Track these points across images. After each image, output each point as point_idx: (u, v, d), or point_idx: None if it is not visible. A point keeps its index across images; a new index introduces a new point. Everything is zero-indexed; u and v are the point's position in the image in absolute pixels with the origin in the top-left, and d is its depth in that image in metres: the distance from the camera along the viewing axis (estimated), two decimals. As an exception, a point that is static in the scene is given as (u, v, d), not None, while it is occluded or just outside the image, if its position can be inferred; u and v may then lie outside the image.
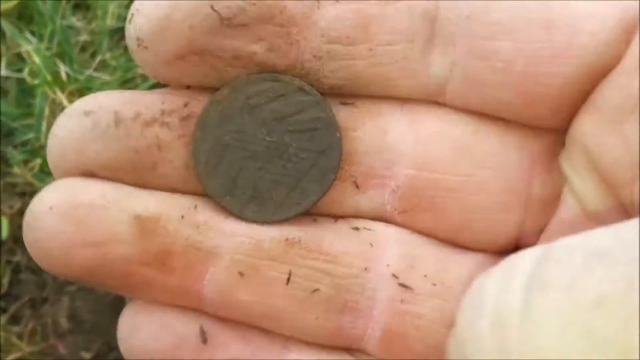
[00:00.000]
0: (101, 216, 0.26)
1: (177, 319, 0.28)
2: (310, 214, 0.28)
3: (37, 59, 0.67)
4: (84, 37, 0.69)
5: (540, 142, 0.27)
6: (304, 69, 0.27)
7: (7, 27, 0.69)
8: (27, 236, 0.26)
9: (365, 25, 0.26)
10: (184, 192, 0.28)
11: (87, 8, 0.71)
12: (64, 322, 0.65)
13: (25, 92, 0.68)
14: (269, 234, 0.28)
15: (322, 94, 0.28)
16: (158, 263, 0.27)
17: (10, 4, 0.70)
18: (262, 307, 0.28)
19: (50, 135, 0.27)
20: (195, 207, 0.28)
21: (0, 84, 0.69)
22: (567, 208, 0.26)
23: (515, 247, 0.28)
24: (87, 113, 0.26)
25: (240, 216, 0.28)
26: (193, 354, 0.28)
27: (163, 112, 0.27)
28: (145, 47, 0.26)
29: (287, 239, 0.28)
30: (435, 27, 0.26)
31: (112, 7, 0.69)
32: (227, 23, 0.26)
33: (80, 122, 0.26)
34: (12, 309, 0.65)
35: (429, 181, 0.28)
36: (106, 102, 0.27)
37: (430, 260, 0.28)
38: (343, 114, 0.28)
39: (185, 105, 0.27)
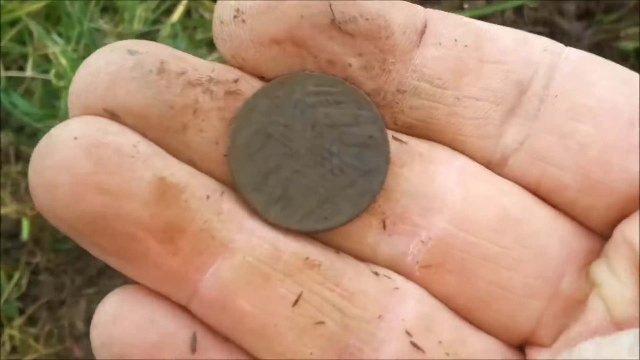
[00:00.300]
0: (125, 165, 0.24)
1: (167, 318, 0.25)
2: (327, 243, 0.27)
3: (63, 61, 0.67)
4: (110, 40, 0.69)
5: (578, 243, 0.27)
6: (385, 99, 0.27)
7: (35, 28, 0.69)
8: (38, 162, 0.23)
9: (461, 74, 0.26)
10: (205, 171, 0.26)
11: (115, 11, 0.71)
12: (80, 325, 0.65)
13: (51, 93, 0.68)
14: (290, 247, 0.26)
15: (389, 128, 0.27)
16: (166, 236, 0.24)
17: (38, 5, 0.70)
18: (258, 323, 0.25)
19: (82, 65, 0.25)
20: (223, 193, 0.26)
21: (26, 85, 0.69)
22: (595, 314, 0.26)
23: (524, 342, 0.27)
24: (131, 52, 0.25)
25: (262, 215, 0.26)
26: (171, 354, 0.25)
27: (210, 79, 0.25)
28: (243, 21, 0.25)
29: (307, 258, 0.26)
30: (523, 98, 0.27)
31: (139, 11, 0.69)
32: (337, 26, 0.26)
33: (121, 57, 0.24)
34: (30, 310, 0.65)
35: (465, 243, 0.26)
36: (155, 49, 0.25)
37: (447, 328, 0.26)
38: (393, 148, 0.27)
39: (235, 81, 0.26)
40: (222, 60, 0.27)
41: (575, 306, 0.26)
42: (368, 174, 0.26)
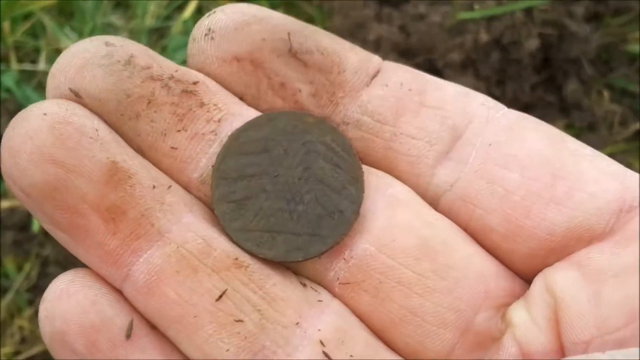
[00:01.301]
0: (83, 144, 0.26)
1: (109, 303, 0.26)
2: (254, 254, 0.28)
3: (75, 55, 0.67)
4: (123, 35, 0.70)
5: (498, 283, 0.28)
6: None
7: (48, 23, 0.70)
8: (8, 130, 0.26)
9: (400, 112, 0.29)
10: (152, 160, 0.28)
11: (127, 7, 0.72)
12: (89, 318, 0.65)
13: (63, 87, 0.68)
14: (222, 245, 0.27)
15: None
16: (108, 216, 0.26)
17: (52, 0, 0.71)
18: (180, 312, 0.26)
19: (64, 50, 0.27)
20: (170, 187, 0.27)
21: (38, 78, 0.70)
22: (507, 353, 0.27)
23: None
24: (107, 43, 0.27)
25: (220, 216, 0.27)
26: (108, 343, 0.26)
27: (171, 77, 0.28)
28: (212, 38, 0.28)
29: (237, 259, 0.27)
30: (458, 143, 0.28)
31: (151, 7, 0.70)
32: (293, 54, 0.28)
33: (97, 47, 0.27)
34: (39, 301, 0.66)
35: (383, 266, 0.28)
36: (129, 45, 0.28)
37: (360, 343, 0.27)
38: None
39: (194, 83, 0.28)
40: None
41: (489, 342, 0.28)
42: (321, 236, 0.28)
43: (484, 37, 0.63)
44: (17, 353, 0.63)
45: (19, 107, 0.68)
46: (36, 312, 0.66)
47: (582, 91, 0.65)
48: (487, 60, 0.64)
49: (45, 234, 0.66)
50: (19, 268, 0.66)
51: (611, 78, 0.67)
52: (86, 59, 0.27)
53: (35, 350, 0.64)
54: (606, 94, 0.66)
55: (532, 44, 0.63)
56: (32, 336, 0.64)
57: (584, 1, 0.66)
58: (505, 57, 0.64)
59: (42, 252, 0.66)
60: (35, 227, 0.66)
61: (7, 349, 0.63)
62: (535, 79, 0.65)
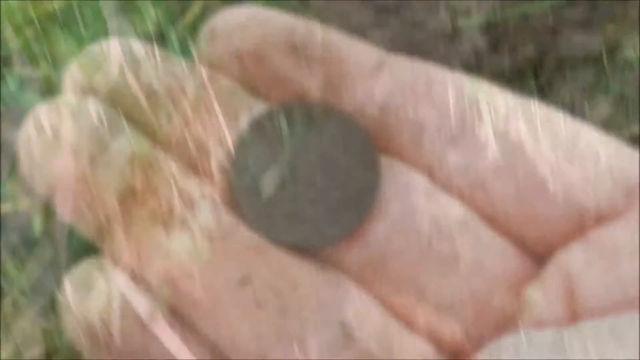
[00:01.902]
0: (103, 135, 0.27)
1: (130, 290, 0.27)
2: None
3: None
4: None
5: (514, 263, 0.28)
6: None
7: (50, 27, 0.70)
8: (27, 123, 0.27)
9: (406, 101, 0.29)
10: (169, 151, 0.29)
11: (128, 12, 0.72)
12: (89, 320, 0.66)
13: (64, 92, 0.69)
14: (242, 232, 0.28)
15: None
16: (129, 204, 0.27)
17: (54, 5, 0.71)
18: (202, 297, 0.27)
19: (84, 50, 0.29)
20: (189, 176, 0.28)
21: (40, 84, 0.70)
22: (523, 330, 0.27)
23: (456, 352, 0.28)
24: (122, 44, 0.29)
25: (238, 204, 0.28)
26: (130, 329, 0.27)
27: (187, 74, 0.29)
28: (215, 39, 0.29)
29: (257, 245, 0.28)
30: (465, 130, 0.29)
31: (153, 12, 0.71)
32: (295, 49, 0.29)
33: (112, 47, 0.28)
34: (40, 303, 0.66)
35: (400, 250, 0.28)
36: (144, 45, 0.29)
37: (381, 326, 0.28)
38: None
39: (210, 79, 0.29)
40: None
41: (505, 322, 0.28)
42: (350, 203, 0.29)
43: (480, 43, 0.64)
44: (17, 354, 0.64)
45: (21, 112, 0.69)
46: (37, 314, 0.66)
47: (578, 96, 0.65)
48: (483, 66, 0.64)
49: (46, 237, 0.67)
50: (20, 270, 0.66)
51: (607, 83, 0.67)
52: (103, 57, 0.28)
53: (35, 351, 0.64)
54: (602, 99, 0.66)
55: (529, 49, 0.64)
56: (32, 338, 0.65)
57: (580, 7, 0.66)
58: (501, 63, 0.64)
59: (43, 254, 0.67)
60: (36, 229, 0.66)
61: (8, 351, 0.64)
62: (532, 84, 0.65)
